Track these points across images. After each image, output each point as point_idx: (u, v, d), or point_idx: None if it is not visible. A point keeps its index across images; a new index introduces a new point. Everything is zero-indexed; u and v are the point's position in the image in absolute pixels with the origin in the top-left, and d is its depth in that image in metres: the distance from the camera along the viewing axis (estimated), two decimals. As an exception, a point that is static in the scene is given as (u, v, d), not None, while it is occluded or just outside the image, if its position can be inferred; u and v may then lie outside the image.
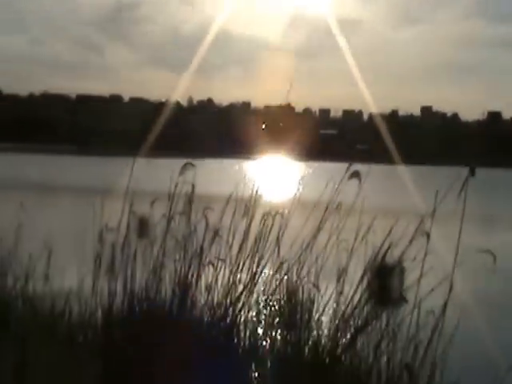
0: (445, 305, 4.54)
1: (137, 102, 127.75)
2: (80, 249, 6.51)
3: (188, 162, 5.59)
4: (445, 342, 4.51)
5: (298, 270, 5.27)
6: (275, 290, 5.34)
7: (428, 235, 4.68)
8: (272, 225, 5.39)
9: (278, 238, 5.33)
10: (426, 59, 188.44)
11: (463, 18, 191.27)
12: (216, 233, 5.42)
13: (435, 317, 4.54)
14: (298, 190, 6.06)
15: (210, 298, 5.54)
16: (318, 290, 5.11)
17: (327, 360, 4.79)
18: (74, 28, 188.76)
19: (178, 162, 5.98)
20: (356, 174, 5.16)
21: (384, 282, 7.05)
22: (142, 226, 6.58)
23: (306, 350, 5.04)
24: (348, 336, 4.80)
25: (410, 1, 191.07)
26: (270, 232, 5.36)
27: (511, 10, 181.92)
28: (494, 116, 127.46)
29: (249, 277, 5.29)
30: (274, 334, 5.38)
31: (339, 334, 4.84)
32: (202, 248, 5.44)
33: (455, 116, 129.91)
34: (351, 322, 4.87)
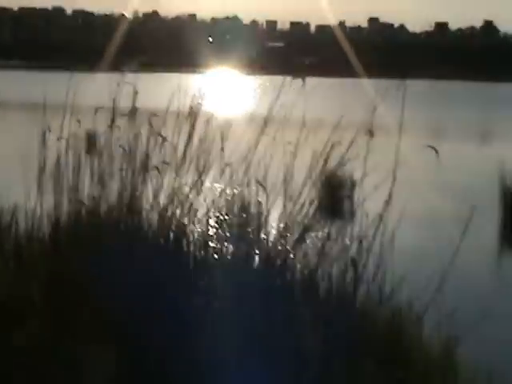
0: (387, 202, 4.66)
1: (80, 14, 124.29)
2: (25, 163, 6.46)
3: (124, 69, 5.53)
4: (387, 238, 4.65)
5: (243, 173, 5.27)
6: (221, 194, 5.35)
7: (371, 133, 4.74)
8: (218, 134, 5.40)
9: (221, 141, 5.32)
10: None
11: None
12: (162, 138, 5.42)
13: (379, 213, 4.66)
14: (241, 102, 6.05)
15: (156, 202, 5.57)
16: (265, 190, 5.13)
17: (277, 262, 4.90)
18: None
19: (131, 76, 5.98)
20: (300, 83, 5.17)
21: (333, 196, 7.21)
22: (88, 139, 6.57)
23: (257, 257, 5.12)
24: (295, 236, 4.89)
25: None
26: (213, 138, 5.36)
27: None
28: (442, 27, 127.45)
29: (194, 179, 5.32)
30: (222, 241, 5.42)
31: (287, 236, 4.94)
32: (147, 154, 5.45)
33: (402, 27, 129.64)
34: (298, 224, 4.95)
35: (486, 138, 29.41)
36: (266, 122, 5.22)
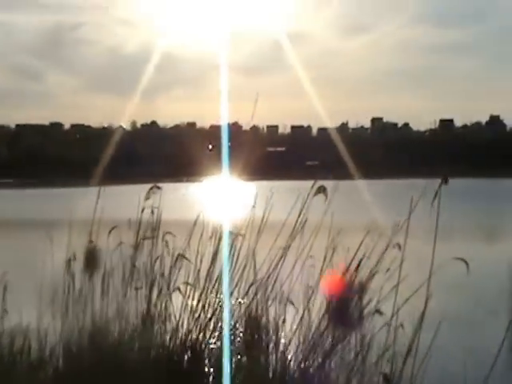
0: (422, 315, 4.49)
1: (78, 128, 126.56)
2: (36, 283, 6.34)
3: (154, 185, 5.48)
4: (423, 352, 4.45)
5: (265, 293, 5.13)
6: (242, 315, 5.19)
7: (399, 246, 4.63)
8: (239, 247, 5.27)
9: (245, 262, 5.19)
10: (373, 69, 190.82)
11: (410, 25, 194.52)
12: (183, 256, 5.29)
13: (413, 327, 4.49)
14: (255, 209, 5.93)
15: (178, 324, 5.41)
16: (291, 305, 4.95)
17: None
18: (10, 55, 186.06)
19: (126, 189, 5.92)
20: (322, 190, 5.06)
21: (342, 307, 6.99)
22: (90, 258, 6.47)
23: (274, 375, 4.91)
24: (319, 358, 4.70)
25: (354, 10, 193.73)
26: (237, 255, 5.23)
27: (457, 13, 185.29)
28: (446, 124, 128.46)
29: (216, 302, 5.16)
30: (240, 360, 5.23)
31: (309, 357, 4.74)
32: (169, 274, 5.31)
33: (406, 126, 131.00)
34: (320, 343, 4.77)
35: (494, 236, 29.18)
36: (293, 231, 5.09)
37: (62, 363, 5.73)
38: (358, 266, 4.79)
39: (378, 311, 4.59)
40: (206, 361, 5.30)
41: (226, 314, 5.08)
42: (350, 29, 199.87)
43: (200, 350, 5.29)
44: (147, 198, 5.51)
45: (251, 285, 5.14)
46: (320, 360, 4.76)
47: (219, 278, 5.20)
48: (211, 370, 5.27)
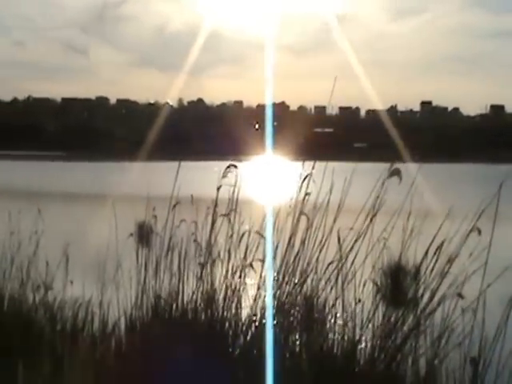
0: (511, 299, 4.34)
1: (124, 103, 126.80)
2: (98, 256, 6.32)
3: (231, 163, 5.40)
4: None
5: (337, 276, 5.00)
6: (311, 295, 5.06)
7: (479, 231, 4.48)
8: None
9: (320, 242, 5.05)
10: (424, 53, 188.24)
11: (461, 9, 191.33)
12: (259, 233, 5.18)
13: (502, 310, 4.35)
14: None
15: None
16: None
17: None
18: (58, 30, 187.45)
19: (175, 165, 5.91)
20: (396, 172, 4.88)
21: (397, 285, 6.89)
22: (144, 233, 6.42)
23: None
24: (397, 340, 4.58)
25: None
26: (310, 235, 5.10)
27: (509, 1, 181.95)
28: (497, 110, 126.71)
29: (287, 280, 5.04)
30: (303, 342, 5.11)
31: (387, 338, 4.63)
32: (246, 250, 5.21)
33: (456, 110, 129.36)
34: (398, 326, 4.65)
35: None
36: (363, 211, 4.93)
37: (125, 336, 5.68)
38: (438, 249, 4.64)
39: (459, 295, 4.45)
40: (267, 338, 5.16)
41: (268, 298, 4.99)
42: (401, 11, 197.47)
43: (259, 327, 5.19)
44: (224, 176, 5.43)
45: (329, 264, 4.99)
46: (398, 342, 4.63)
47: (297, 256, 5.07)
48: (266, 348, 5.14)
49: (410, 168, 5.31)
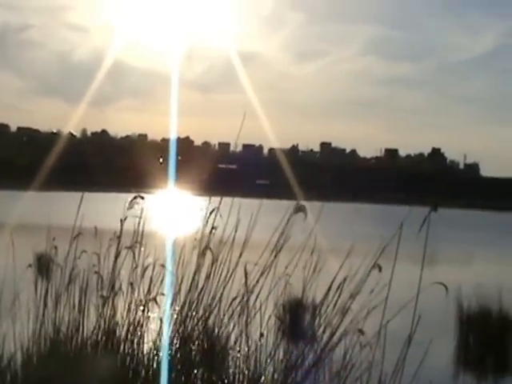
0: (409, 336, 4.46)
1: (25, 131, 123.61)
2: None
3: (137, 195, 5.33)
4: (411, 372, 4.44)
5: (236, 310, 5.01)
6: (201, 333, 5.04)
7: (380, 268, 4.60)
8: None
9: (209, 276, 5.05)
10: (324, 95, 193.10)
11: (360, 54, 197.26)
12: (164, 266, 5.14)
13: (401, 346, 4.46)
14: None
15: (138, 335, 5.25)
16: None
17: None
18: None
19: (77, 195, 5.86)
20: (302, 209, 4.97)
21: (298, 321, 7.05)
22: (43, 264, 6.29)
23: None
24: (297, 377, 4.62)
25: (308, 37, 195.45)
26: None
27: (405, 50, 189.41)
28: (391, 153, 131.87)
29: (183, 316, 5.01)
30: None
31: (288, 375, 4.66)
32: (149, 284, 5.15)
33: (354, 152, 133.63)
34: (298, 363, 4.69)
35: (431, 260, 29.39)
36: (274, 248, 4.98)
37: (21, 370, 5.49)
38: (340, 285, 4.73)
39: (360, 331, 4.55)
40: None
41: (165, 328, 4.96)
42: (303, 54, 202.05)
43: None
44: (130, 207, 5.36)
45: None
46: (300, 377, 4.67)
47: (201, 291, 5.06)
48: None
49: (311, 206, 5.41)
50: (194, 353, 5.10)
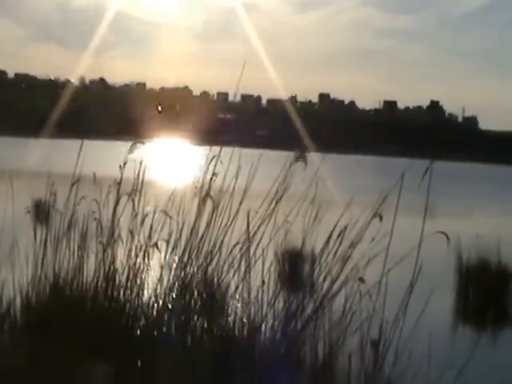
0: (411, 284, 4.47)
1: (23, 78, 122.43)
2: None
3: (137, 140, 5.29)
4: (412, 320, 4.48)
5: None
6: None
7: (381, 217, 4.58)
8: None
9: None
10: (324, 46, 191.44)
11: (363, 4, 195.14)
12: (164, 212, 5.11)
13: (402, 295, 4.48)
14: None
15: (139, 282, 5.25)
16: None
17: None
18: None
19: (76, 143, 5.82)
20: (302, 157, 4.92)
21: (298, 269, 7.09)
22: (43, 210, 6.28)
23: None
24: (298, 324, 4.63)
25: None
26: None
27: (406, 2, 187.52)
28: (390, 105, 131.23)
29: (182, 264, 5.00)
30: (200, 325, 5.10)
31: (287, 323, 4.67)
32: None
33: (352, 104, 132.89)
34: (300, 309, 4.71)
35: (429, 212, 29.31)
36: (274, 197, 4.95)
37: (21, 316, 5.51)
38: (341, 234, 4.72)
39: (360, 279, 4.55)
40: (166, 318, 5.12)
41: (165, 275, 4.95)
42: (304, 4, 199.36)
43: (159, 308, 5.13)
44: (130, 152, 5.32)
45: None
46: (300, 325, 4.68)
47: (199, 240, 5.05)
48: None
49: (311, 157, 5.36)
50: (193, 301, 5.10)
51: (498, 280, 11.38)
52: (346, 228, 4.69)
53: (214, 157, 5.20)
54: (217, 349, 4.84)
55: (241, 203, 5.08)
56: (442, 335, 8.48)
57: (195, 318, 5.08)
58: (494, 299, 11.16)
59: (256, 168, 5.10)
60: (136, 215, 5.31)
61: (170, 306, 5.10)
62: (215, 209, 5.08)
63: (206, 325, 5.03)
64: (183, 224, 5.09)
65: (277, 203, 4.97)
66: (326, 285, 4.76)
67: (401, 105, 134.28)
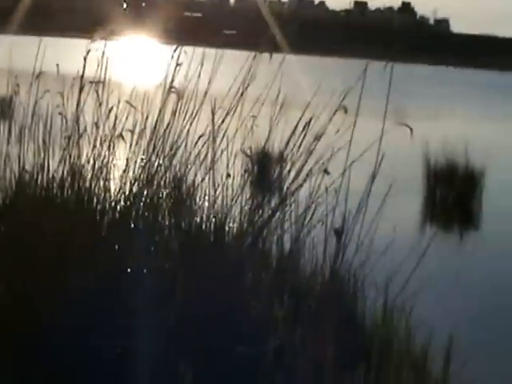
0: (373, 173, 4.53)
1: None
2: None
3: (102, 37, 5.17)
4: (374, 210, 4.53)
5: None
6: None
7: (346, 109, 4.59)
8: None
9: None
10: None
11: None
12: (129, 103, 5.06)
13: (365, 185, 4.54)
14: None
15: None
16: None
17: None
18: None
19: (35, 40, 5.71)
20: (267, 50, 4.88)
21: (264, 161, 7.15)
22: (4, 104, 6.22)
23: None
24: (261, 219, 4.71)
25: None
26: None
27: None
28: (361, 6, 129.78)
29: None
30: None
31: (252, 215, 4.73)
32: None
33: (322, 4, 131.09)
34: (262, 204, 4.77)
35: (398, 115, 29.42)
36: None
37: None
38: (306, 126, 4.73)
39: (325, 171, 4.61)
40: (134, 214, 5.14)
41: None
42: None
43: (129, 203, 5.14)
44: (94, 48, 5.22)
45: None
46: (265, 217, 4.75)
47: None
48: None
49: (276, 57, 5.32)
50: (160, 193, 5.12)
51: (464, 183, 11.60)
52: (310, 121, 4.70)
53: (176, 48, 5.11)
54: (185, 240, 4.90)
55: (206, 93, 5.05)
56: (406, 230, 8.67)
57: (162, 211, 5.10)
58: (460, 201, 11.40)
59: (219, 64, 5.06)
60: (100, 105, 5.25)
61: (136, 201, 5.11)
62: (180, 98, 5.05)
63: (173, 217, 5.06)
64: (148, 115, 5.06)
65: (242, 94, 4.94)
66: (290, 177, 4.81)
67: (371, 6, 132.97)
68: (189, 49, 5.40)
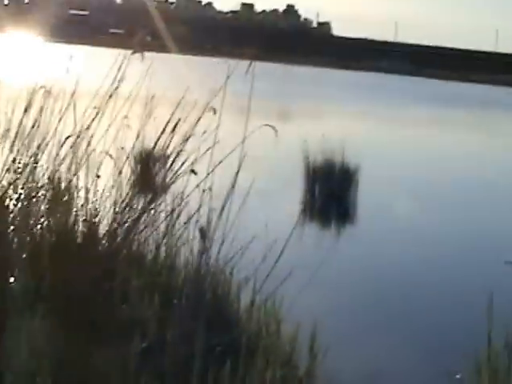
0: (237, 172, 4.65)
1: None
2: None
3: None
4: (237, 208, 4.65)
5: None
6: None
7: (215, 111, 4.69)
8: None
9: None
10: None
11: None
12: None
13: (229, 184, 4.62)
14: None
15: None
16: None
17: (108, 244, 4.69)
18: None
19: None
20: (138, 52, 4.90)
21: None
22: None
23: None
24: (130, 219, 4.74)
25: None
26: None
27: None
28: (247, 8, 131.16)
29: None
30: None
31: (120, 219, 4.76)
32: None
33: (210, 5, 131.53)
34: (132, 205, 4.80)
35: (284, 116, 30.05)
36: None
37: None
38: (174, 128, 4.81)
39: (192, 171, 4.71)
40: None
41: None
42: None
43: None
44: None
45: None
46: (135, 216, 4.79)
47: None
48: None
49: (157, 56, 5.35)
50: (35, 198, 5.06)
51: (341, 179, 11.98)
52: (179, 121, 4.77)
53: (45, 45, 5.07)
54: (58, 243, 4.86)
55: (73, 93, 5.04)
56: (281, 226, 8.83)
57: (37, 216, 5.04)
58: (337, 198, 11.74)
59: (90, 62, 5.05)
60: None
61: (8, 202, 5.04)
62: (47, 95, 5.01)
63: (48, 221, 5.00)
64: (13, 113, 5.00)
65: (111, 95, 4.95)
66: (159, 177, 4.87)
67: (258, 7, 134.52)
68: (71, 47, 5.36)
